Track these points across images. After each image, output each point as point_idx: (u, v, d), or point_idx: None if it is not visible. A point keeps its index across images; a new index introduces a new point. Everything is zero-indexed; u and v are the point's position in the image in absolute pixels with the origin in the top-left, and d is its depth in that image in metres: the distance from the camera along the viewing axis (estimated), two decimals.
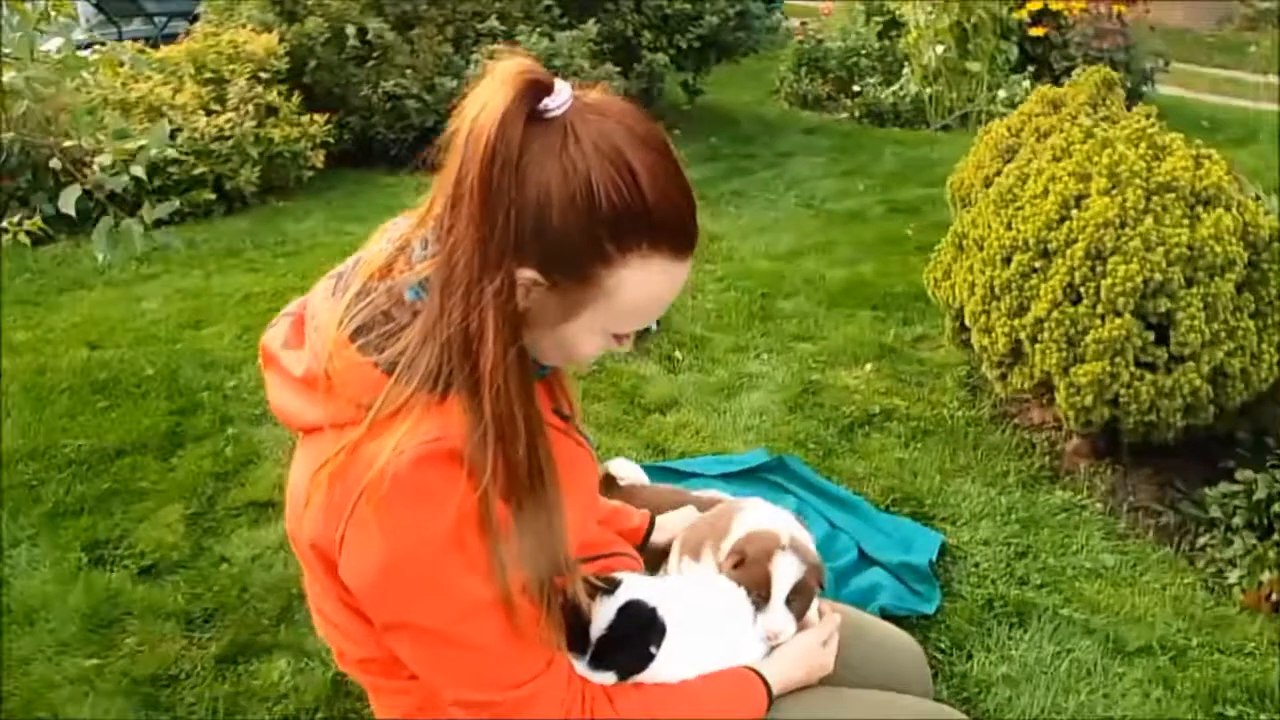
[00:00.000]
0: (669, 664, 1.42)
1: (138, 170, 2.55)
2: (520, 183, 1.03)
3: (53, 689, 2.08)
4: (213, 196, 4.80)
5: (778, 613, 1.49)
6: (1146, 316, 2.49)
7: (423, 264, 1.11)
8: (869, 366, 3.40)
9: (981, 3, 6.59)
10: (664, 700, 1.36)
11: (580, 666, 1.37)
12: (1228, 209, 2.53)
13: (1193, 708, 2.06)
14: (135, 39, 6.03)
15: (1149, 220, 2.48)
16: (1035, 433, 3.04)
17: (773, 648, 1.50)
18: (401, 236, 1.16)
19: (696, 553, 1.70)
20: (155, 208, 2.65)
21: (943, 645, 2.22)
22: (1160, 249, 2.45)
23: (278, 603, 2.32)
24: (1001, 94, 6.49)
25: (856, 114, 6.98)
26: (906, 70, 7.00)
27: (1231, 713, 2.04)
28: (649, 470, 2.19)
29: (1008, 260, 2.68)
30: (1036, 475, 2.84)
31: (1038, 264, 2.62)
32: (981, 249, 2.77)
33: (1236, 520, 2.49)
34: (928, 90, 6.82)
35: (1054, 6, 7.07)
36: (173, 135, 4.55)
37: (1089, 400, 2.51)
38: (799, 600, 1.50)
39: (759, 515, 1.66)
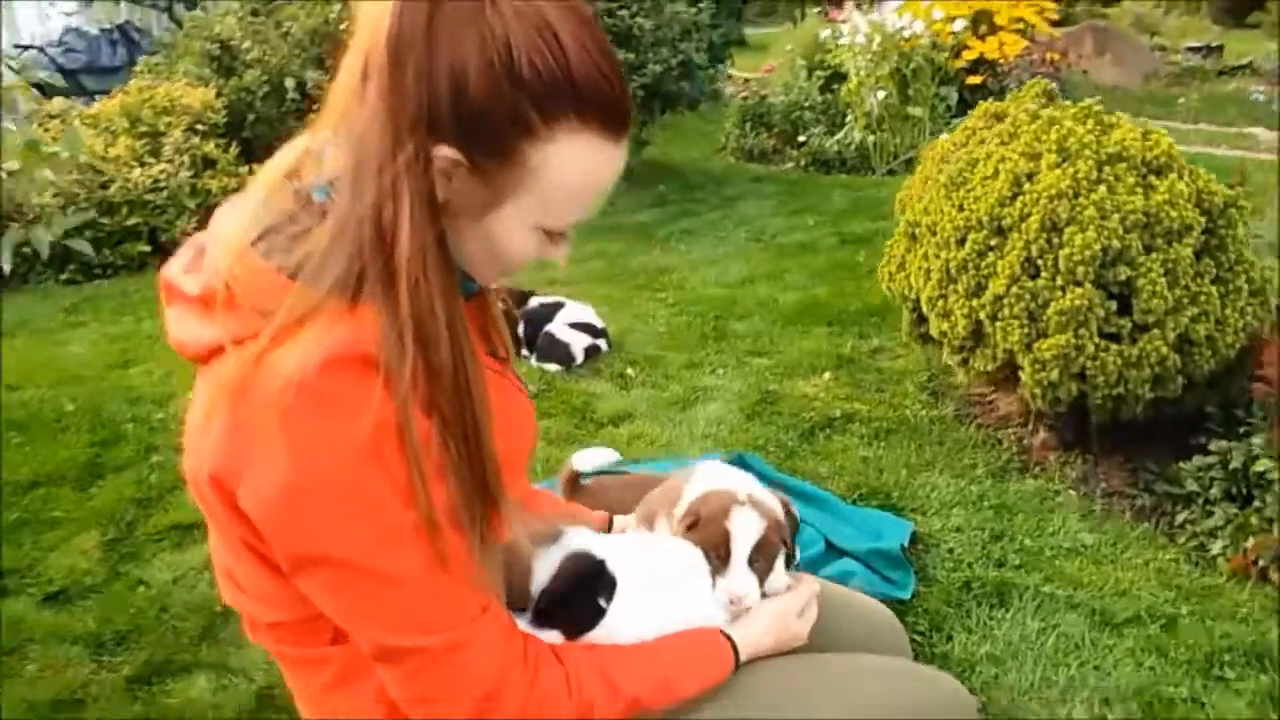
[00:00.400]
0: (621, 625, 1.27)
1: (47, 174, 2.42)
2: (432, 50, 0.93)
3: None
4: (148, 249, 4.65)
5: (739, 574, 1.35)
6: (1108, 286, 2.42)
7: (331, 161, 1.01)
8: (827, 375, 3.30)
9: (920, 51, 6.72)
10: (617, 658, 1.22)
11: (522, 625, 1.22)
12: (1180, 176, 2.49)
13: (1189, 673, 1.93)
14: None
15: (1102, 189, 2.43)
16: (1001, 429, 2.95)
17: (736, 616, 1.36)
18: (306, 137, 1.06)
19: (650, 523, 1.57)
20: (67, 218, 2.52)
21: (921, 628, 2.09)
22: (1115, 216, 2.39)
23: (200, 622, 2.12)
24: (945, 138, 6.56)
25: (803, 163, 7.02)
26: (850, 119, 7.08)
27: (1231, 674, 1.92)
28: (602, 472, 2.06)
29: (962, 241, 2.61)
30: (1005, 467, 2.73)
31: (993, 242, 2.55)
32: (935, 234, 2.70)
33: (1214, 491, 2.40)
34: (871, 137, 6.89)
35: (990, 56, 7.24)
36: (105, 186, 4.43)
37: (1055, 375, 2.42)
38: (762, 560, 1.37)
39: (714, 477, 1.53)
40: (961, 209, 2.64)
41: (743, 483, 1.49)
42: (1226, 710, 1.85)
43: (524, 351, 3.41)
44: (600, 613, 1.26)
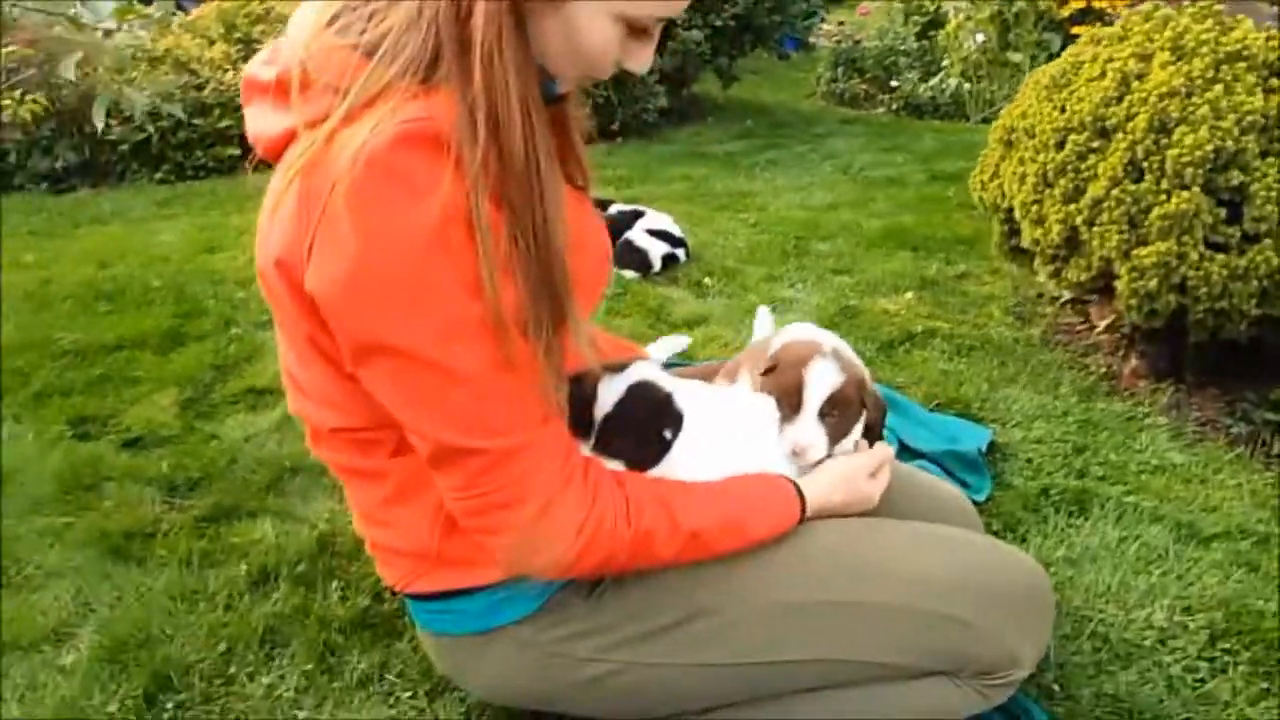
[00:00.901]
0: (685, 463, 1.24)
1: (144, 35, 2.44)
2: None
3: (16, 540, 1.91)
4: (238, 152, 4.72)
5: (808, 424, 1.30)
6: (1217, 192, 2.28)
7: None
8: (909, 295, 3.20)
9: None
10: (681, 491, 1.18)
11: (585, 452, 1.19)
12: None
13: None
14: None
15: (1218, 89, 2.29)
16: (1089, 354, 2.82)
17: (803, 472, 1.32)
18: None
19: (733, 377, 1.53)
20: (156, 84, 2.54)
21: (995, 529, 2.01)
22: (1231, 117, 2.25)
23: (268, 474, 2.15)
24: (1046, 66, 6.30)
25: (894, 107, 6.83)
26: (946, 64, 6.86)
27: None
28: (672, 366, 2.02)
29: (1061, 144, 2.49)
30: (1092, 388, 2.61)
31: (1095, 144, 2.43)
32: (1032, 137, 2.58)
33: None
34: (967, 85, 6.66)
35: (1098, 5, 6.92)
36: (199, 88, 4.50)
37: (1153, 285, 2.30)
38: (835, 414, 1.32)
39: (804, 331, 1.49)
40: (1063, 110, 2.52)
41: (830, 337, 1.44)
42: None
43: None
44: (665, 445, 1.22)
